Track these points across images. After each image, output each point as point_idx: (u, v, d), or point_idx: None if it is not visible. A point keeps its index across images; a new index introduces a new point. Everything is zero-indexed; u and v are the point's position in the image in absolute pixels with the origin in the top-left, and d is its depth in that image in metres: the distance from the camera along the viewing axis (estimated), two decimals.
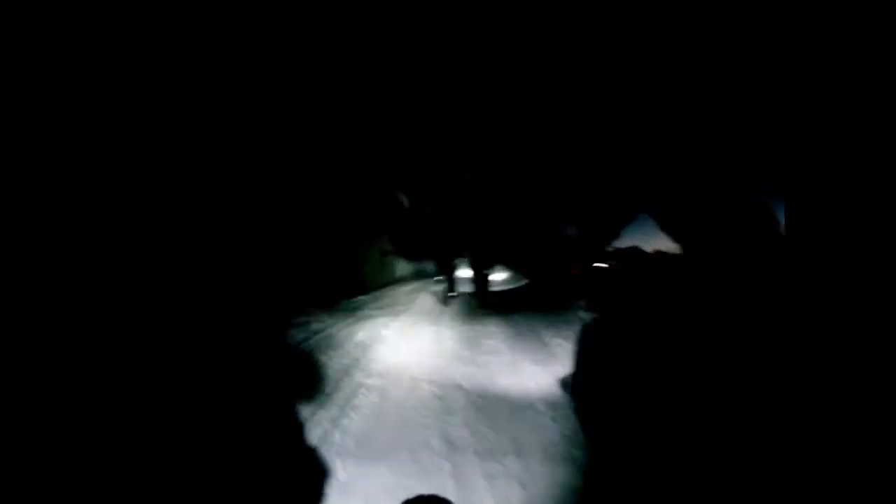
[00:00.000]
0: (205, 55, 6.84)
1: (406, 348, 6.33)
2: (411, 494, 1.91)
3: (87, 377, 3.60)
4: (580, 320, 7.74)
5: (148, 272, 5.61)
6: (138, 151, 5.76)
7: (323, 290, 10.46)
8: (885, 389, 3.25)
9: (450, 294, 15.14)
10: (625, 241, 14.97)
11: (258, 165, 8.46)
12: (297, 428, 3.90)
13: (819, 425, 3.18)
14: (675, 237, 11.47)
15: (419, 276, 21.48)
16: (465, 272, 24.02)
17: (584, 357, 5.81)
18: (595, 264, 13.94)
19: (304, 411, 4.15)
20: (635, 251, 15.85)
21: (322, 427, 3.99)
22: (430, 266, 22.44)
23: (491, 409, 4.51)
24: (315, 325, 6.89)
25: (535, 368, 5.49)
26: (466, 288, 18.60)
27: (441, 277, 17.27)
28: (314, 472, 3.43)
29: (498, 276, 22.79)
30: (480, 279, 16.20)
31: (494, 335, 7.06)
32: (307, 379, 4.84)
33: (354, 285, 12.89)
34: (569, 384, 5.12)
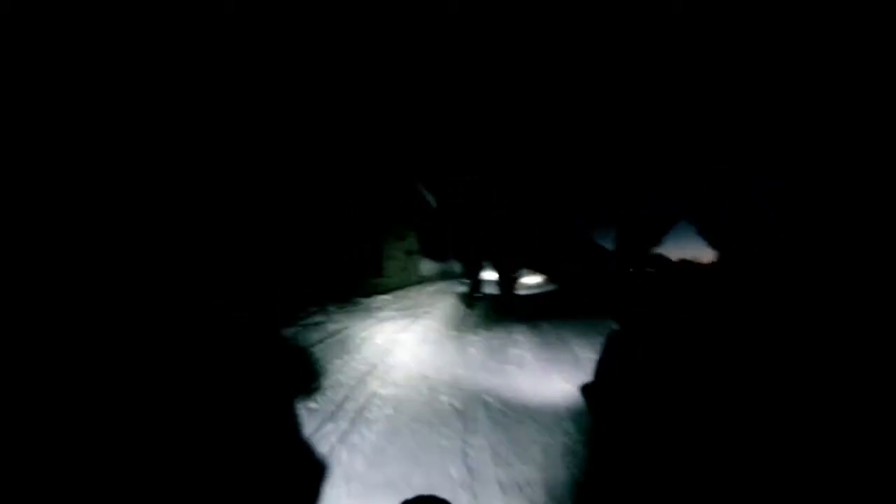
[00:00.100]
0: (207, 55, 6.71)
1: (426, 355, 5.88)
2: None
3: (86, 377, 3.48)
4: (609, 330, 7.21)
5: (148, 272, 5.48)
6: (139, 152, 5.61)
7: (343, 289, 10.17)
8: (885, 389, 3.26)
9: (475, 296, 14.62)
10: (661, 249, 14.18)
11: (263, 164, 8.27)
12: (301, 443, 3.50)
13: (820, 425, 3.14)
14: (713, 245, 10.65)
15: (444, 276, 21.02)
16: (490, 274, 23.44)
17: (615, 375, 5.36)
18: (631, 271, 13.19)
19: (311, 423, 3.75)
20: (661, 260, 15.00)
21: (329, 442, 3.57)
22: (455, 267, 21.97)
23: (517, 430, 3.97)
24: (332, 326, 6.53)
25: (566, 386, 4.91)
26: (492, 290, 18.02)
27: (466, 279, 16.76)
28: (314, 498, 3.01)
29: (524, 280, 22.09)
30: (506, 282, 15.60)
31: (521, 344, 6.51)
32: (317, 385, 4.44)
33: (377, 285, 12.59)
34: (599, 404, 4.56)
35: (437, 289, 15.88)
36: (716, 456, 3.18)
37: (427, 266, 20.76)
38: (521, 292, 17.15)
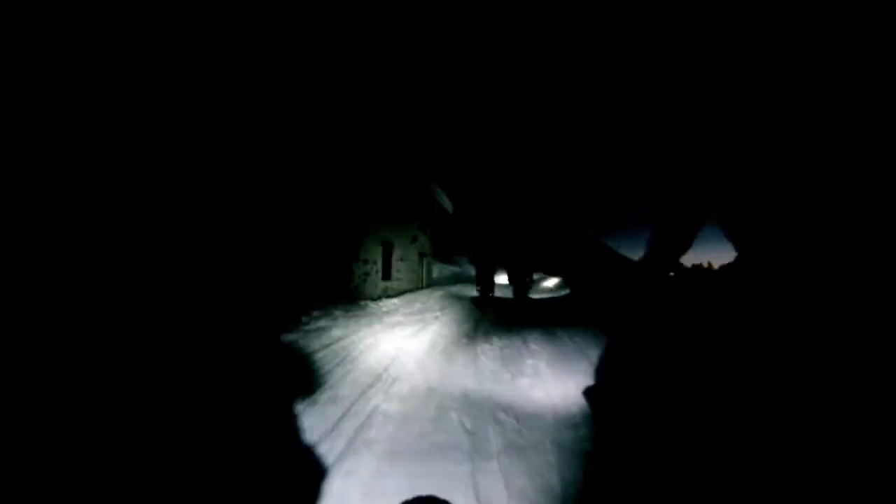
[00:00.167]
0: (209, 57, 6.72)
1: (435, 365, 5.45)
2: None
3: (87, 376, 3.47)
4: (611, 331, 6.98)
5: (149, 272, 5.49)
6: (140, 153, 5.60)
7: (351, 291, 9.82)
8: (885, 388, 3.26)
9: (487, 300, 14.16)
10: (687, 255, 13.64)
11: (266, 164, 8.20)
12: (291, 467, 3.10)
13: (820, 424, 3.12)
14: (739, 249, 10.05)
15: (456, 279, 20.58)
16: (503, 278, 22.89)
17: (618, 377, 5.11)
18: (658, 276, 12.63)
19: (303, 443, 3.36)
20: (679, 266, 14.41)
21: (323, 466, 3.17)
22: (467, 270, 21.50)
23: (533, 455, 3.51)
24: (336, 332, 6.16)
25: (584, 401, 4.43)
26: (504, 294, 17.52)
27: (478, 282, 16.30)
28: None
29: (538, 283, 21.50)
30: (519, 286, 15.10)
31: (536, 354, 6.03)
32: (315, 400, 4.06)
33: (387, 288, 12.22)
34: (603, 408, 4.27)
35: (448, 292, 15.45)
36: (717, 456, 3.11)
37: (439, 269, 20.35)
38: (535, 296, 16.62)
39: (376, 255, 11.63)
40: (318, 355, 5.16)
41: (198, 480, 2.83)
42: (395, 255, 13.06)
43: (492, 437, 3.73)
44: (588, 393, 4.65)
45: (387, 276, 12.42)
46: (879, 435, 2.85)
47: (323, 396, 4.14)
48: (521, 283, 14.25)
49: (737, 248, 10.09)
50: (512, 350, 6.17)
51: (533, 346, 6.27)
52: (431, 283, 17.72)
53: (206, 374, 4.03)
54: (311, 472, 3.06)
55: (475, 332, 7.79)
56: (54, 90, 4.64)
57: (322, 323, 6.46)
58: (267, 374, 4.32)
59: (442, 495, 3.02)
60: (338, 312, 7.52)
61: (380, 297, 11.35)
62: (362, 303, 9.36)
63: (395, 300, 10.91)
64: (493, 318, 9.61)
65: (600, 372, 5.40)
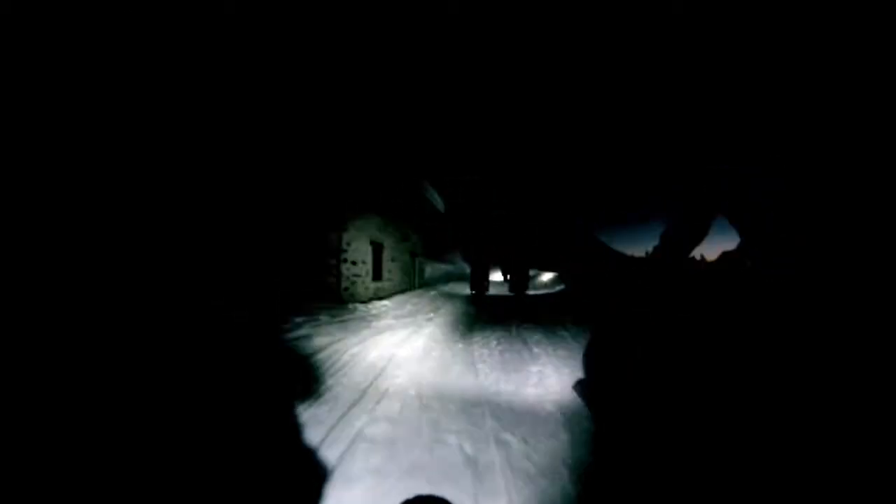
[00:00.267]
0: (211, 59, 6.55)
1: (429, 375, 4.81)
2: None
3: (87, 376, 3.41)
4: (609, 330, 6.64)
5: (149, 272, 5.51)
6: (141, 154, 5.57)
7: (339, 294, 9.15)
8: (884, 388, 3.21)
9: (482, 299, 13.56)
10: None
11: (262, 167, 8.11)
12: None
13: (820, 424, 3.07)
14: (748, 243, 9.66)
15: (449, 278, 19.93)
16: (497, 275, 22.27)
17: (615, 376, 4.83)
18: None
19: (268, 485, 2.70)
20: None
21: None
22: (461, 268, 20.88)
23: (548, 482, 2.90)
24: (319, 340, 5.49)
25: (603, 414, 3.83)
26: (499, 291, 16.93)
27: (472, 280, 15.68)
28: None
29: (534, 280, 20.96)
30: (518, 283, 14.54)
31: (540, 358, 5.42)
32: (286, 428, 3.40)
33: (377, 289, 11.55)
34: (600, 407, 3.97)
35: (441, 291, 14.81)
36: (717, 456, 2.98)
37: (431, 268, 19.69)
38: (532, 292, 16.06)
39: (366, 255, 10.95)
40: (297, 369, 4.50)
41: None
42: (386, 255, 12.39)
43: (497, 465, 3.10)
44: (594, 398, 4.06)
45: (377, 276, 11.74)
46: (879, 435, 2.79)
47: (297, 422, 3.48)
48: (520, 280, 13.67)
49: (743, 239, 9.71)
50: (513, 354, 5.56)
51: (536, 350, 5.67)
52: (424, 283, 17.07)
53: (207, 366, 3.94)
54: None
55: (471, 334, 7.18)
56: (54, 90, 4.57)
57: (304, 331, 5.78)
58: (230, 408, 3.64)
59: None
60: (323, 318, 6.84)
61: (370, 299, 10.68)
62: (351, 306, 8.68)
63: (385, 302, 10.25)
64: (489, 318, 9.01)
65: (610, 376, 4.82)
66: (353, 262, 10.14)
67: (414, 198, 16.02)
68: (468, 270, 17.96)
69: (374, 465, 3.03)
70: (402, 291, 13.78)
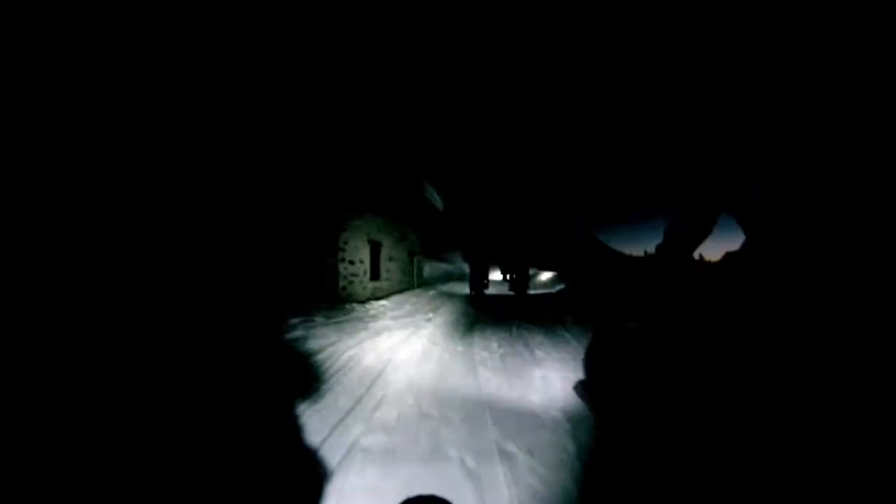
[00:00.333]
0: (210, 59, 6.46)
1: (428, 380, 4.58)
2: None
3: (88, 376, 3.37)
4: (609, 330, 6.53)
5: (149, 273, 5.47)
6: (141, 154, 5.51)
7: (336, 294, 8.92)
8: (884, 388, 3.19)
9: (482, 299, 13.34)
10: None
11: (261, 167, 8.02)
12: None
13: (820, 423, 3.02)
14: (754, 241, 9.47)
15: (448, 278, 19.69)
16: (497, 274, 22.04)
17: (616, 376, 4.68)
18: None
19: (260, 499, 2.47)
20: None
21: None
22: (460, 267, 20.65)
23: (555, 499, 2.69)
24: (314, 343, 5.25)
25: (613, 422, 3.61)
26: (499, 291, 16.70)
27: (472, 279, 15.44)
28: None
29: (533, 279, 20.74)
30: (519, 283, 14.32)
31: (544, 363, 5.20)
32: (276, 439, 3.16)
33: (375, 289, 11.31)
34: (601, 408, 3.86)
35: (440, 291, 14.58)
36: (717, 456, 2.94)
37: (430, 267, 19.44)
38: (531, 291, 15.83)
39: (364, 254, 10.70)
40: (292, 373, 4.26)
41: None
42: (384, 254, 12.15)
43: (501, 480, 2.87)
44: (599, 403, 3.84)
45: (375, 276, 11.50)
46: (879, 435, 2.76)
47: (287, 433, 3.25)
48: (521, 280, 13.45)
49: (747, 238, 9.53)
50: (515, 358, 5.33)
51: (538, 353, 5.44)
52: (423, 282, 16.84)
53: (207, 366, 3.86)
54: None
55: (471, 335, 6.95)
56: (54, 90, 4.49)
57: (298, 333, 5.54)
58: (219, 416, 3.41)
59: None
60: (318, 319, 6.60)
61: (368, 299, 10.44)
62: (348, 306, 8.45)
63: (383, 302, 10.02)
64: (489, 319, 8.78)
65: (612, 379, 4.60)
66: (351, 262, 9.90)
67: (413, 197, 15.78)
68: (467, 270, 17.74)
69: (369, 480, 2.80)
70: (401, 291, 13.55)
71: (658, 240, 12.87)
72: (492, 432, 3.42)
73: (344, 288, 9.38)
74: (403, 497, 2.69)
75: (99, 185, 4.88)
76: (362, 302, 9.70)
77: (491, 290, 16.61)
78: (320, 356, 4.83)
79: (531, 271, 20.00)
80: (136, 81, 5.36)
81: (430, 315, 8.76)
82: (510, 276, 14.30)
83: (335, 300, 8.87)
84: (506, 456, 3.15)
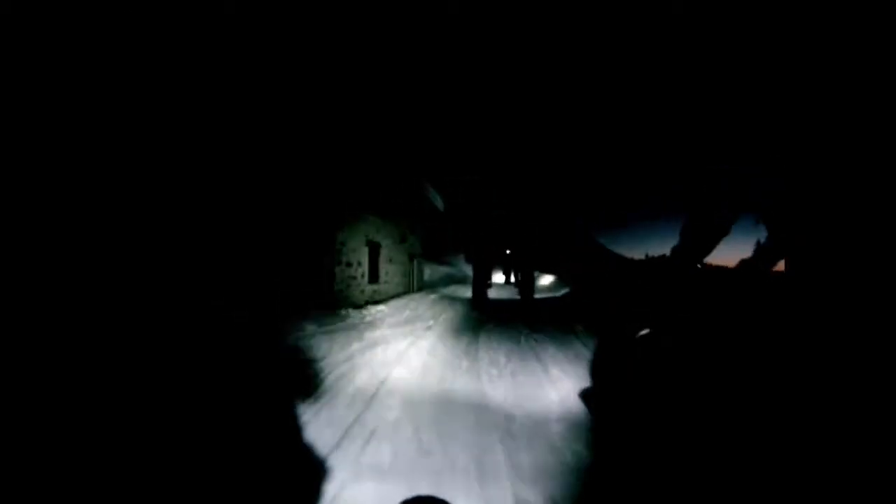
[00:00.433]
0: (209, 58, 6.33)
1: (428, 405, 3.91)
2: None
3: (88, 376, 3.28)
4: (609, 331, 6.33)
5: (149, 273, 5.40)
6: (141, 154, 5.39)
7: (332, 298, 8.27)
8: (884, 388, 3.14)
9: (486, 303, 12.71)
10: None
11: (261, 168, 7.64)
12: None
13: (821, 423, 2.94)
14: (777, 240, 8.91)
15: (449, 280, 19.02)
16: (499, 276, 21.34)
17: (617, 378, 4.50)
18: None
19: None
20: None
21: None
22: (461, 270, 19.97)
23: None
24: (306, 354, 4.61)
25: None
26: (502, 294, 16.04)
27: (474, 283, 14.79)
28: None
29: (540, 282, 20.08)
30: (525, 287, 13.71)
31: (557, 380, 4.54)
32: (258, 475, 2.51)
33: (373, 293, 10.67)
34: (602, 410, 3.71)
35: (441, 295, 13.92)
36: (717, 456, 2.83)
37: (431, 270, 18.77)
38: (536, 296, 15.20)
39: (362, 256, 10.06)
40: (278, 396, 3.61)
41: None
42: (383, 256, 11.50)
43: None
44: (627, 427, 3.18)
45: (374, 279, 10.85)
46: (879, 435, 2.69)
47: (269, 467, 2.60)
48: (527, 283, 12.84)
49: (766, 241, 9.01)
50: (527, 377, 4.68)
51: (554, 371, 4.79)
52: (423, 286, 16.20)
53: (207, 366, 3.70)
54: None
55: (476, 345, 6.30)
56: (54, 90, 4.41)
57: (289, 343, 4.90)
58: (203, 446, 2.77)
59: None
60: (310, 328, 5.95)
61: (366, 303, 9.79)
62: (343, 312, 7.80)
63: (382, 306, 9.37)
64: (495, 326, 8.13)
65: (641, 402, 3.96)
66: (349, 264, 9.26)
67: (413, 197, 15.14)
68: (469, 273, 17.12)
69: None
70: (400, 295, 12.90)
71: (657, 243, 12.46)
72: (508, 480, 2.76)
73: (340, 291, 8.74)
74: None
75: (99, 185, 4.80)
76: (359, 306, 9.05)
77: (493, 292, 15.96)
78: (310, 370, 4.18)
79: (538, 274, 19.36)
80: (136, 81, 5.30)
81: (431, 322, 8.11)
82: (515, 278, 13.73)
83: (332, 304, 8.23)
84: (518, 499, 2.49)
